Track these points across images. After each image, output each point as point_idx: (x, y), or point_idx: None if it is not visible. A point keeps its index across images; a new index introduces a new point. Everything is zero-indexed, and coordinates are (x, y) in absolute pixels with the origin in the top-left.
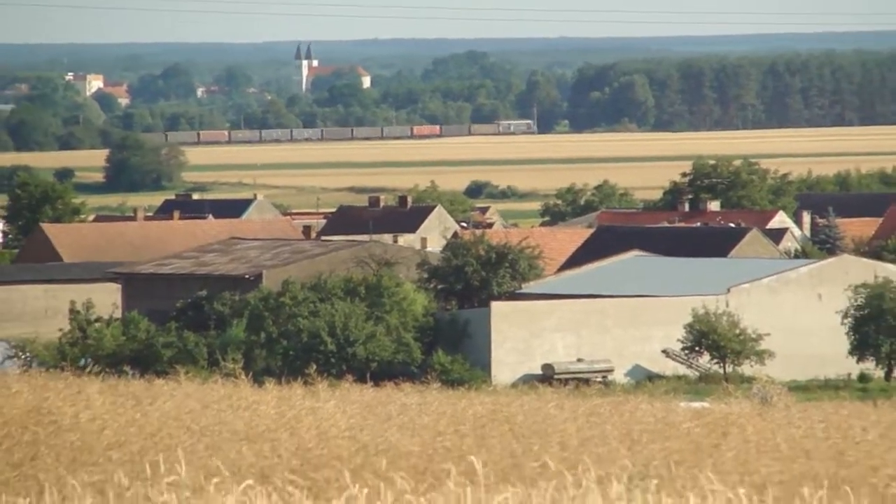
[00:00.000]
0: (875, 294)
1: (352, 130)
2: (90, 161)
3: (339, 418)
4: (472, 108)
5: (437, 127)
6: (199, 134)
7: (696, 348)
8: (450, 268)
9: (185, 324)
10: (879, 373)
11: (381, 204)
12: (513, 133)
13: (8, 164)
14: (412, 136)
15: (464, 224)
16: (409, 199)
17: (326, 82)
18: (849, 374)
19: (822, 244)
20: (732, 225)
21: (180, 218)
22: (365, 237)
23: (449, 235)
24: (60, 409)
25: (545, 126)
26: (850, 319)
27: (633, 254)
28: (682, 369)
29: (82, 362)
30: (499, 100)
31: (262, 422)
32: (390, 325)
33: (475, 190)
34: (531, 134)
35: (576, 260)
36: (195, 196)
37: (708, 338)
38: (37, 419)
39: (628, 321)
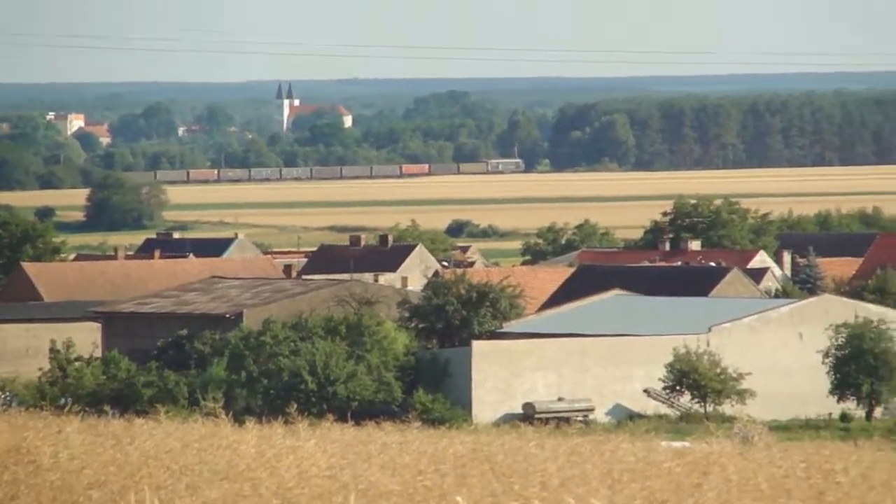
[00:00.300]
0: (856, 334)
1: (340, 170)
2: (71, 200)
3: (320, 457)
4: (454, 147)
5: (426, 166)
6: (188, 173)
7: (678, 387)
8: (431, 307)
9: (166, 363)
10: (860, 412)
11: (362, 243)
12: (501, 172)
13: None
14: (401, 175)
15: (445, 263)
16: (390, 238)
17: (308, 121)
18: (829, 414)
19: (803, 284)
20: (713, 264)
21: (161, 257)
22: (346, 276)
23: (430, 274)
24: (40, 448)
25: (527, 165)
26: (830, 359)
27: (614, 293)
28: (663, 408)
29: (62, 402)
30: (480, 139)
31: (243, 461)
32: (371, 365)
33: (456, 229)
34: (519, 172)
35: (557, 299)
36: (176, 235)
37: (689, 377)
38: (16, 458)
39: (609, 360)
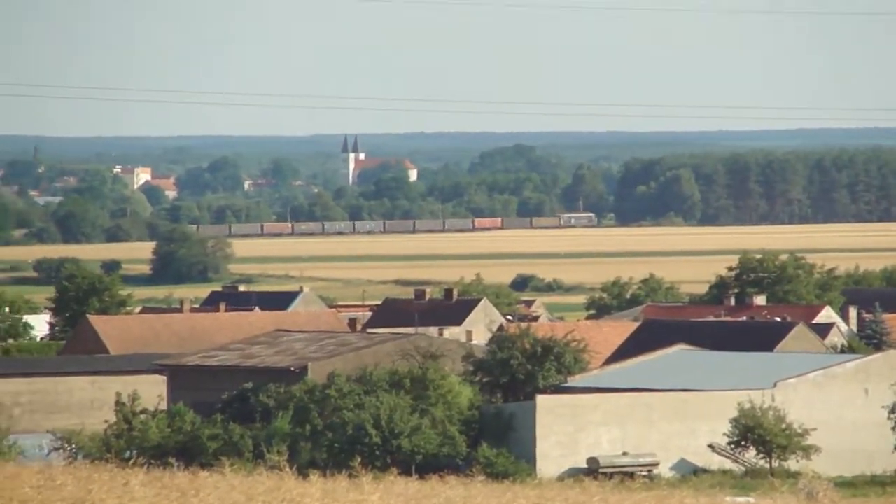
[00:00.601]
0: None
1: (413, 223)
2: (137, 253)
3: None
4: (518, 200)
5: (499, 220)
6: (262, 226)
7: (742, 443)
8: (495, 361)
9: (231, 416)
10: None
11: (427, 296)
12: (573, 226)
13: (56, 256)
14: (474, 229)
15: (509, 317)
16: (455, 292)
17: (373, 175)
18: (895, 471)
19: (869, 339)
20: (778, 319)
21: (226, 310)
22: (410, 330)
23: (494, 328)
24: (105, 501)
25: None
26: None
27: (679, 348)
28: (727, 464)
29: (127, 454)
30: (545, 193)
31: None
32: (435, 418)
33: (521, 283)
34: (591, 227)
35: (621, 353)
36: (241, 288)
37: (754, 432)
38: None
39: (674, 415)
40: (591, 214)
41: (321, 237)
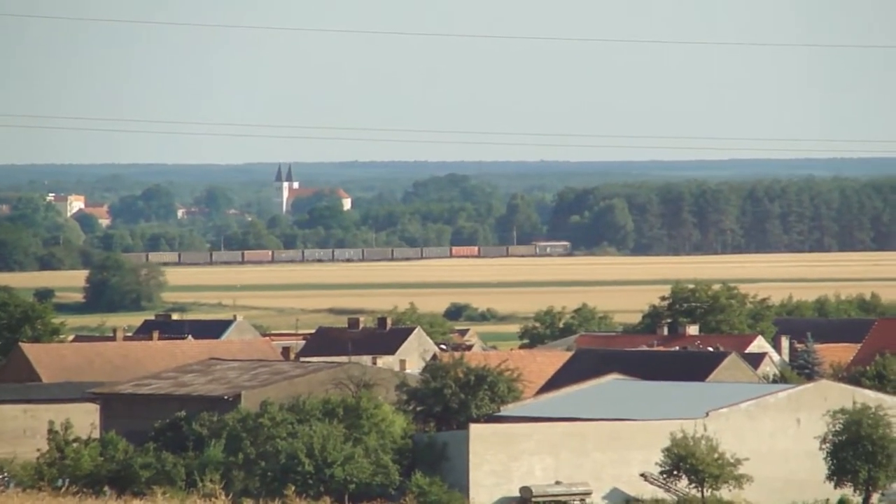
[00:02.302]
0: (853, 420)
1: (392, 251)
2: (70, 281)
3: None
4: (453, 230)
5: (476, 248)
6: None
7: (675, 472)
8: (429, 390)
9: (164, 444)
10: (857, 499)
11: (360, 325)
12: (549, 255)
13: None
14: (451, 256)
15: (443, 346)
16: (389, 321)
17: (307, 204)
18: (827, 500)
19: (801, 369)
20: (711, 349)
21: (160, 338)
22: (344, 359)
23: (428, 357)
24: None
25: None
26: (828, 445)
27: (612, 377)
28: (660, 493)
29: (60, 483)
30: (479, 222)
31: None
32: (369, 447)
33: (454, 312)
34: (568, 256)
35: (555, 382)
36: (174, 316)
37: (686, 462)
38: None
39: (607, 444)
40: (566, 243)
41: (242, 266)
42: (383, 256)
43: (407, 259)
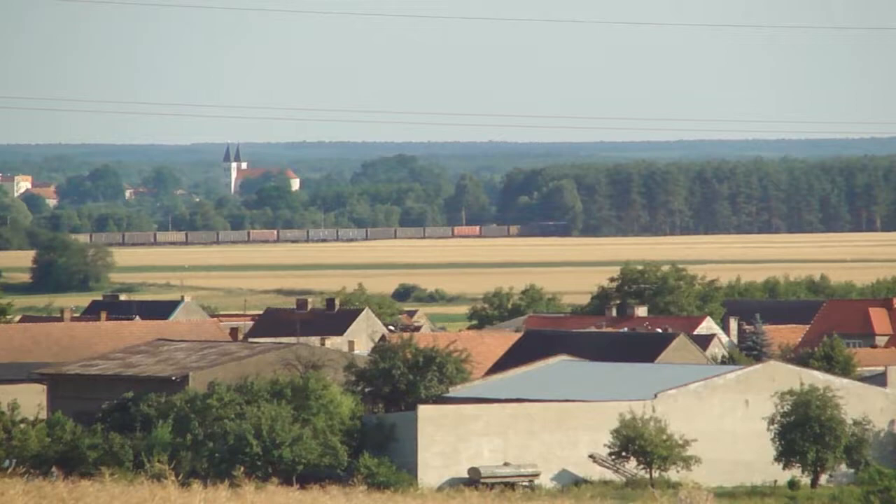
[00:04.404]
0: (801, 401)
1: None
2: (17, 261)
3: None
4: (402, 210)
5: (477, 228)
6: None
7: (623, 453)
8: (377, 371)
9: (111, 425)
10: (806, 480)
11: (309, 306)
12: (545, 235)
13: None
14: (453, 236)
15: (391, 327)
16: (337, 302)
17: (255, 184)
18: (775, 481)
19: (750, 350)
20: (660, 330)
21: (107, 319)
22: (292, 339)
23: (376, 338)
24: None
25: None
26: (776, 426)
27: (561, 358)
28: (608, 474)
29: (6, 464)
30: (427, 203)
31: None
32: (317, 428)
33: (403, 293)
34: (567, 237)
35: (503, 364)
36: (122, 297)
37: (635, 443)
38: None
39: (555, 426)
40: (563, 223)
41: (186, 247)
42: (386, 235)
43: (411, 238)
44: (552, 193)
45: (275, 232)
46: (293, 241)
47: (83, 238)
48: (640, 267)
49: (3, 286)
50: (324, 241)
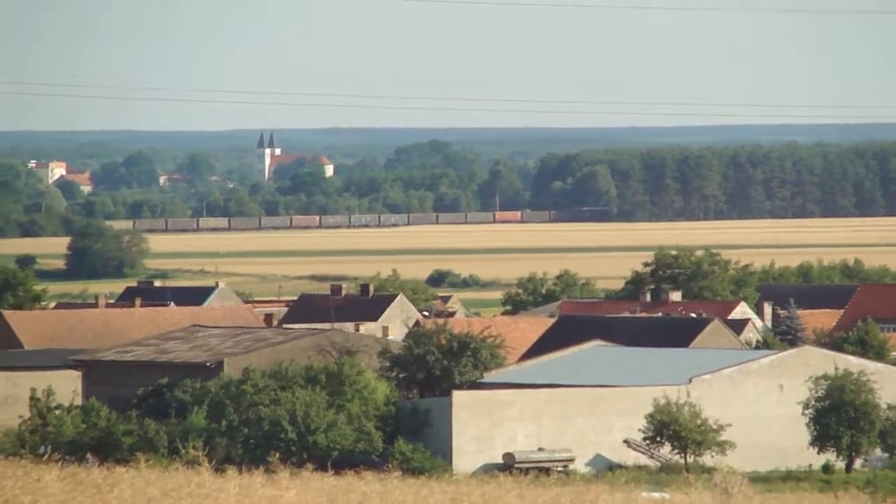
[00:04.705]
0: (836, 385)
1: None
2: (52, 248)
3: None
4: (435, 196)
5: (518, 213)
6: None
7: (658, 438)
8: (411, 356)
9: (146, 411)
10: (840, 464)
11: (343, 292)
12: (589, 220)
13: None
14: (494, 221)
15: (426, 313)
16: (371, 288)
17: (289, 171)
18: (809, 466)
19: (784, 335)
20: (694, 315)
21: (142, 305)
22: (326, 325)
23: (411, 324)
24: (17, 497)
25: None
26: (810, 410)
27: (595, 343)
28: (643, 459)
29: (42, 450)
30: (461, 189)
31: None
32: (351, 414)
33: (437, 279)
34: (606, 222)
35: (537, 349)
36: (157, 283)
37: (669, 428)
38: None
39: (589, 411)
40: (605, 207)
41: (228, 233)
42: (428, 221)
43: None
44: (586, 179)
45: (317, 218)
46: (335, 227)
47: (124, 224)
48: (674, 252)
49: (38, 273)
50: (365, 226)
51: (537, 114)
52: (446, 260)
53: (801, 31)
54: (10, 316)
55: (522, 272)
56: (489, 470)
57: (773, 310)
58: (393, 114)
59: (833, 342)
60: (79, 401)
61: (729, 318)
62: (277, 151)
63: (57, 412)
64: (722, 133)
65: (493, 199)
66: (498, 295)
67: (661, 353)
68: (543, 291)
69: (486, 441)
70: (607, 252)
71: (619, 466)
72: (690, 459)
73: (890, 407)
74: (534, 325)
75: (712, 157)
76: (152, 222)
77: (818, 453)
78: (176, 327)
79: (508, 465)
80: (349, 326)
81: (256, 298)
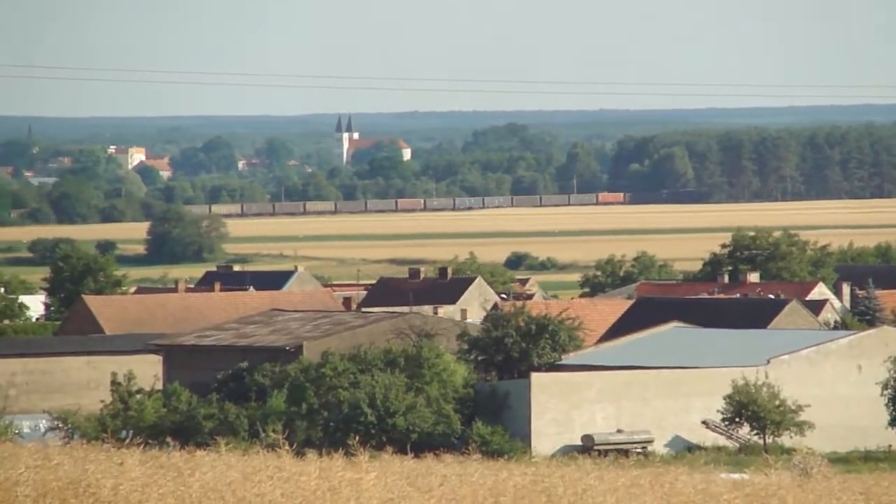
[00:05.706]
0: None
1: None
2: (132, 233)
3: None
4: (512, 179)
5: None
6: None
7: (736, 419)
8: (490, 339)
9: (226, 395)
10: None
11: (421, 275)
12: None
13: (50, 236)
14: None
15: (504, 295)
16: (449, 271)
17: (367, 154)
18: (889, 446)
19: (862, 315)
20: (772, 296)
21: (221, 289)
22: (405, 309)
23: (489, 307)
24: (100, 481)
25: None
26: (889, 391)
27: (673, 325)
28: (721, 440)
29: (123, 434)
30: (538, 172)
31: (302, 493)
32: (430, 397)
33: (515, 261)
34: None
35: (615, 331)
36: (236, 268)
37: (748, 409)
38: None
39: (668, 392)
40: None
41: (304, 217)
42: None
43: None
44: (663, 160)
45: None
46: (410, 211)
47: (202, 209)
48: (751, 233)
49: (118, 258)
50: (441, 210)
51: (614, 96)
52: (523, 242)
53: (880, 10)
54: (92, 301)
55: (600, 255)
56: (568, 452)
57: (852, 290)
58: (470, 97)
59: None
60: (159, 385)
61: (807, 298)
62: (355, 136)
63: (138, 396)
64: (799, 114)
65: (570, 182)
66: (575, 277)
67: (739, 335)
68: (621, 273)
69: (565, 423)
70: (685, 234)
71: (698, 448)
72: (769, 440)
73: None
74: (612, 307)
75: (790, 138)
76: (229, 207)
77: None
78: (255, 311)
79: (587, 447)
80: (427, 309)
81: (335, 282)
